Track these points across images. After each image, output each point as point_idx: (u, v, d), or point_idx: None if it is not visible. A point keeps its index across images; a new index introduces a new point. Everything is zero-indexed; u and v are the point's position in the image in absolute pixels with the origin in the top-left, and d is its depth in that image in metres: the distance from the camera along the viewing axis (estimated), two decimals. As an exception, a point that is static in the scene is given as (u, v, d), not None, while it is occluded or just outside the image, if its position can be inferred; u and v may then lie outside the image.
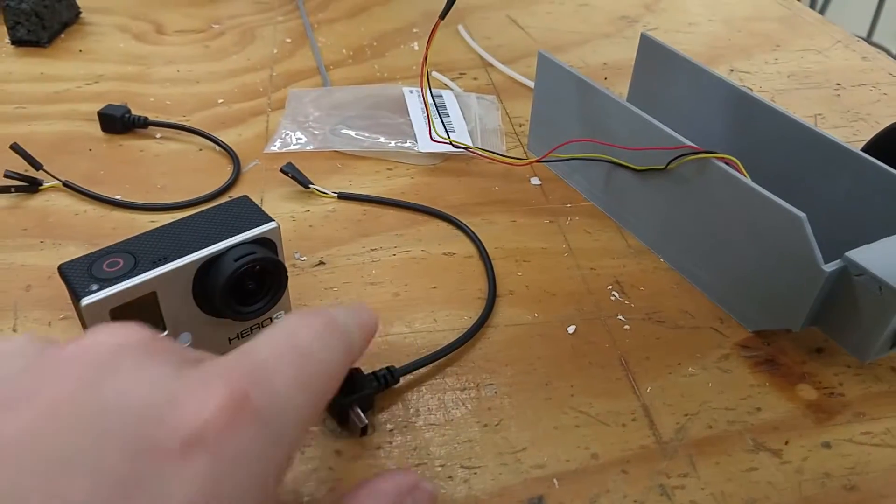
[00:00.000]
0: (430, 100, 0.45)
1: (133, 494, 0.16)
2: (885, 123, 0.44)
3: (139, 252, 0.31)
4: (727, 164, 0.36)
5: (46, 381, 0.18)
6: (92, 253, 0.30)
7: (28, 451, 0.16)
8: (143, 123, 0.51)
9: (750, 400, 0.34)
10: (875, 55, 0.66)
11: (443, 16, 0.42)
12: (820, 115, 0.56)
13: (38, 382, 0.18)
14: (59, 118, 0.53)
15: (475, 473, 0.30)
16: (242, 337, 0.35)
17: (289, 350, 0.21)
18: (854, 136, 0.54)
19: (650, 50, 0.48)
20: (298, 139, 0.50)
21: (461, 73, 0.60)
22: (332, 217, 0.44)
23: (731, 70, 0.63)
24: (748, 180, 0.35)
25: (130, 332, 0.20)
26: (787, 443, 0.32)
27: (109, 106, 0.52)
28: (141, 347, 0.19)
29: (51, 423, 0.17)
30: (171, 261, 0.30)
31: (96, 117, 0.51)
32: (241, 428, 0.18)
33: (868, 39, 1.55)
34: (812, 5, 1.65)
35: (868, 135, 0.45)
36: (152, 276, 0.30)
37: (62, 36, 0.64)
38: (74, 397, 0.17)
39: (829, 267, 0.32)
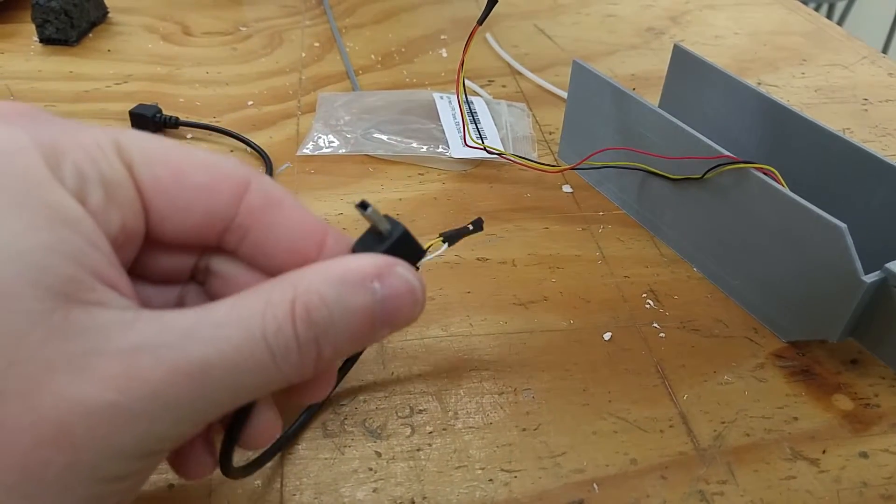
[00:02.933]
0: (465, 105, 0.46)
1: None
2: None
3: None
4: (766, 174, 0.36)
5: None
6: None
7: None
8: (175, 124, 0.51)
9: (786, 409, 0.34)
10: (900, 71, 0.67)
11: (481, 21, 0.42)
12: (848, 129, 0.56)
13: None
14: (89, 117, 0.53)
15: (515, 477, 0.30)
16: None
17: None
18: (883, 150, 0.54)
19: (682, 60, 0.49)
20: (331, 142, 0.50)
21: (490, 81, 0.61)
22: (365, 223, 0.44)
23: (759, 83, 0.63)
24: (787, 191, 0.35)
25: None
26: (824, 452, 0.32)
27: (140, 105, 0.52)
28: None
29: None
30: None
31: (127, 116, 0.51)
32: None
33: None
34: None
35: (897, 149, 0.46)
36: None
37: (90, 35, 0.65)
38: None
39: (870, 278, 0.32)
